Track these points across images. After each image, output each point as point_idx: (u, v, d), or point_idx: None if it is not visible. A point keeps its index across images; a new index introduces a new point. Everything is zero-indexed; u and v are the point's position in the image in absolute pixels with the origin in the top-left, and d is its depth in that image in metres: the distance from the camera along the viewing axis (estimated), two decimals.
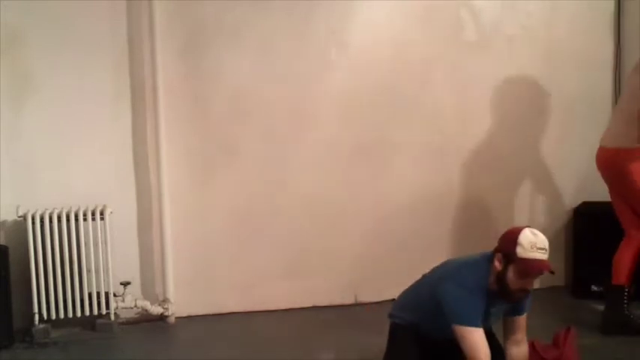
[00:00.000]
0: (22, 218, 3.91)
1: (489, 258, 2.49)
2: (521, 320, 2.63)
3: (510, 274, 2.38)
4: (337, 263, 4.55)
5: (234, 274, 4.44)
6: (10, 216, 4.00)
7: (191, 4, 4.24)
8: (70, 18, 4.08)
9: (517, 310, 2.60)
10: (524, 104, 4.78)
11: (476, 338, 2.39)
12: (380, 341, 2.79)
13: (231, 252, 4.43)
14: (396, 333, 2.70)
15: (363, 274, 4.55)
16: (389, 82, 4.55)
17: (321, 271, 4.54)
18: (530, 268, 2.36)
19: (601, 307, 4.00)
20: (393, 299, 3.04)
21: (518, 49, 4.73)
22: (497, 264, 2.43)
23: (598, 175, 4.04)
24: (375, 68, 4.52)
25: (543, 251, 2.37)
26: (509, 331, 2.65)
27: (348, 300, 4.61)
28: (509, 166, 4.76)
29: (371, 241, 4.53)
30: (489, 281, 2.46)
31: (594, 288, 4.49)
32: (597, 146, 3.98)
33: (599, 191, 4.83)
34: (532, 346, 2.50)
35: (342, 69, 4.48)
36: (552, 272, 2.41)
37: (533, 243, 2.35)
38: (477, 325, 2.40)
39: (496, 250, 2.48)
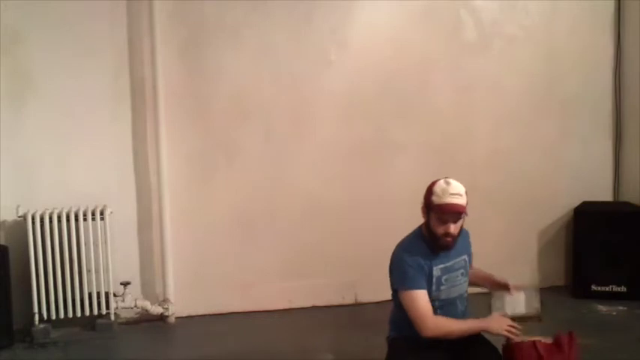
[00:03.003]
0: (22, 218, 3.91)
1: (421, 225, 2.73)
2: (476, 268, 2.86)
3: (433, 221, 2.61)
4: (337, 263, 4.55)
5: (234, 275, 4.44)
6: (10, 216, 4.00)
7: (191, 4, 4.25)
8: (70, 18, 4.09)
9: (469, 263, 2.80)
10: (524, 104, 4.78)
11: (416, 297, 2.53)
12: (380, 341, 2.78)
13: (231, 252, 4.43)
14: (394, 344, 2.71)
15: (363, 274, 4.55)
16: (389, 82, 4.55)
17: (320, 271, 4.55)
18: (443, 211, 2.58)
19: (601, 307, 3.99)
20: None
21: (518, 49, 4.73)
22: (423, 215, 2.68)
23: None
24: (375, 68, 4.52)
25: (456, 196, 2.60)
26: (475, 275, 2.84)
27: (348, 300, 4.61)
28: (509, 166, 4.76)
29: (371, 241, 4.52)
30: (424, 236, 2.68)
31: (594, 288, 4.50)
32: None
33: (599, 191, 4.86)
34: (534, 347, 2.50)
35: (342, 69, 4.48)
36: (466, 214, 2.61)
37: (445, 190, 2.60)
38: (418, 287, 2.56)
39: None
